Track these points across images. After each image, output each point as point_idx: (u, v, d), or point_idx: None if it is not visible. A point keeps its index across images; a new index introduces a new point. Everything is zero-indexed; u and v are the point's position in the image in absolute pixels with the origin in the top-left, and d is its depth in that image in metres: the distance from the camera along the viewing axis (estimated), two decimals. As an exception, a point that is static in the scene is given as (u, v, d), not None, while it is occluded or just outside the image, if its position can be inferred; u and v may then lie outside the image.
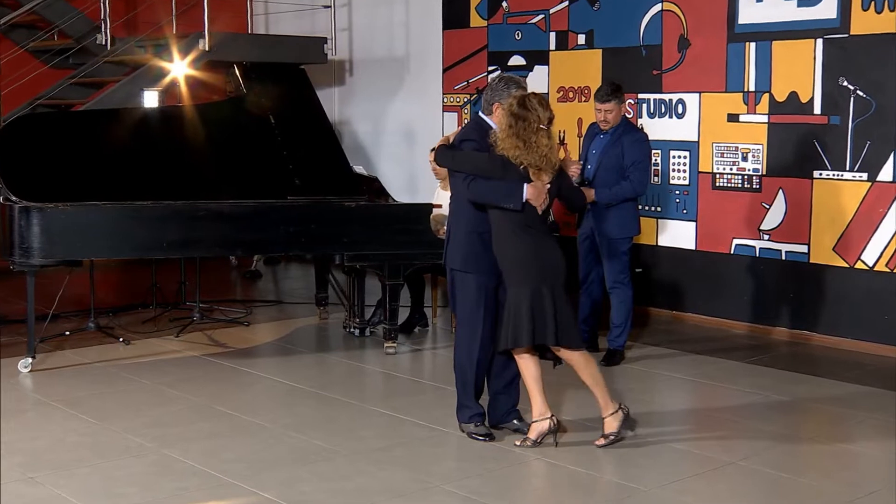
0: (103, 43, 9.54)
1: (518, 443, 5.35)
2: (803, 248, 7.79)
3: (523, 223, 5.18)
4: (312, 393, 6.43)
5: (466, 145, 5.31)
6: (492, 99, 5.37)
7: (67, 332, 7.71)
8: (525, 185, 5.13)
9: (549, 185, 5.19)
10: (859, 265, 7.50)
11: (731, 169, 8.16)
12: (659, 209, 8.64)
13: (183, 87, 9.30)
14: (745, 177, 8.08)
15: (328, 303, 8.61)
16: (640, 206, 8.52)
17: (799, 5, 7.67)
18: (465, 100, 10.05)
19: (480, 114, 5.44)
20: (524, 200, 5.12)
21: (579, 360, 5.27)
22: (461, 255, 5.36)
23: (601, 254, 7.03)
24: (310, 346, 7.79)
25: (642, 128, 8.44)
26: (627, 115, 8.10)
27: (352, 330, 7.98)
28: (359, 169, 8.31)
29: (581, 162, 6.94)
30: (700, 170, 8.35)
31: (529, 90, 5.36)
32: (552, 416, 5.32)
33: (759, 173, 7.99)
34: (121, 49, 9.58)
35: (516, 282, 5.19)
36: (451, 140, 5.42)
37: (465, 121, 9.90)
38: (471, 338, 5.38)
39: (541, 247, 5.21)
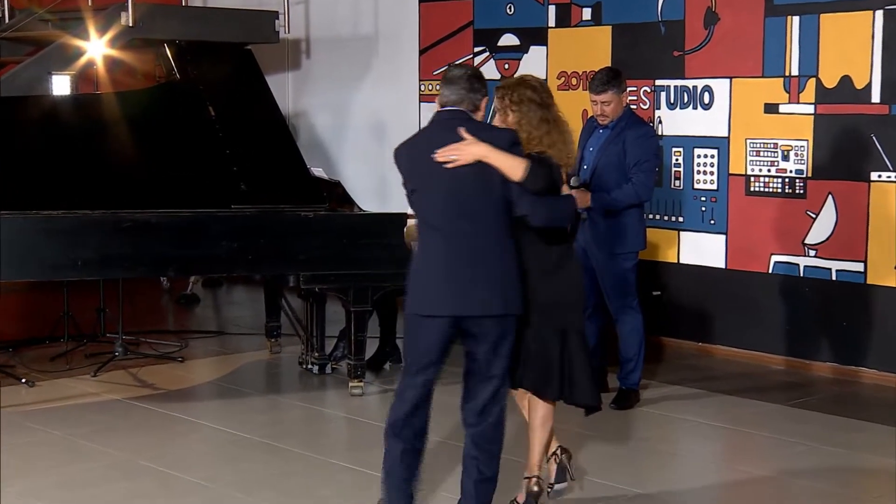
0: (0, 15, 9.44)
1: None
2: (858, 267, 7.78)
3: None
4: (261, 444, 6.39)
5: (519, 151, 5.09)
6: (476, 97, 5.20)
7: (-41, 372, 7.64)
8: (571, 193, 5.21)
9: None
10: (926, 287, 7.53)
11: (768, 170, 8.15)
12: (681, 219, 8.62)
13: (101, 71, 9.23)
14: (787, 180, 8.07)
15: (281, 334, 8.60)
16: (655, 216, 8.56)
17: (852, -29, 7.73)
18: (447, 87, 10.00)
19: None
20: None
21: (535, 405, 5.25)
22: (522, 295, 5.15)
23: (599, 273, 7.02)
24: (258, 387, 7.77)
25: (655, 121, 8.42)
26: (643, 106, 8.03)
27: (310, 366, 7.96)
28: (318, 171, 8.29)
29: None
30: (731, 172, 8.35)
31: (520, 76, 5.34)
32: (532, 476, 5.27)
33: (804, 175, 7.99)
34: (22, 23, 9.50)
35: None
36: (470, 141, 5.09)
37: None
38: None
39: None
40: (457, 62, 9.89)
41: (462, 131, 4.77)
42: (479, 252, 4.80)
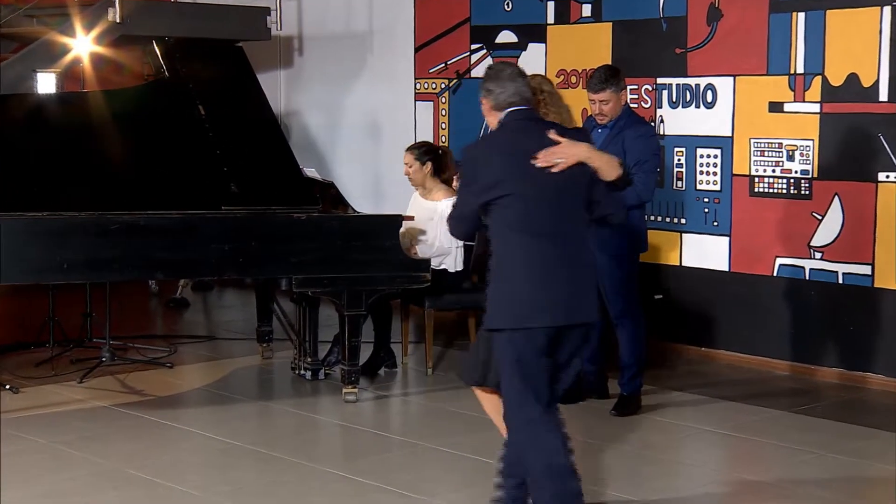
0: (-16, 12, 9.47)
1: None
2: (865, 269, 7.77)
3: None
4: (253, 452, 6.38)
5: None
6: (531, 94, 5.17)
7: (-59, 378, 7.63)
8: None
9: None
10: (935, 290, 7.53)
11: (773, 171, 8.14)
12: (683, 221, 8.61)
13: (88, 69, 9.21)
14: (792, 180, 8.06)
15: (272, 338, 8.58)
16: (656, 218, 8.55)
17: (860, -35, 7.72)
18: (443, 86, 10.01)
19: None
20: None
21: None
22: None
23: (599, 276, 6.98)
24: (250, 393, 7.74)
25: (656, 120, 8.42)
26: (644, 105, 8.03)
27: (302, 372, 7.94)
28: (310, 172, 8.28)
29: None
30: (735, 172, 8.33)
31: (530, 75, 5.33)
32: None
33: (809, 176, 7.98)
34: (6, 19, 9.48)
35: None
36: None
37: (443, 111, 9.90)
38: None
39: None
40: (451, 60, 9.90)
41: (553, 134, 4.66)
42: (576, 256, 4.72)
